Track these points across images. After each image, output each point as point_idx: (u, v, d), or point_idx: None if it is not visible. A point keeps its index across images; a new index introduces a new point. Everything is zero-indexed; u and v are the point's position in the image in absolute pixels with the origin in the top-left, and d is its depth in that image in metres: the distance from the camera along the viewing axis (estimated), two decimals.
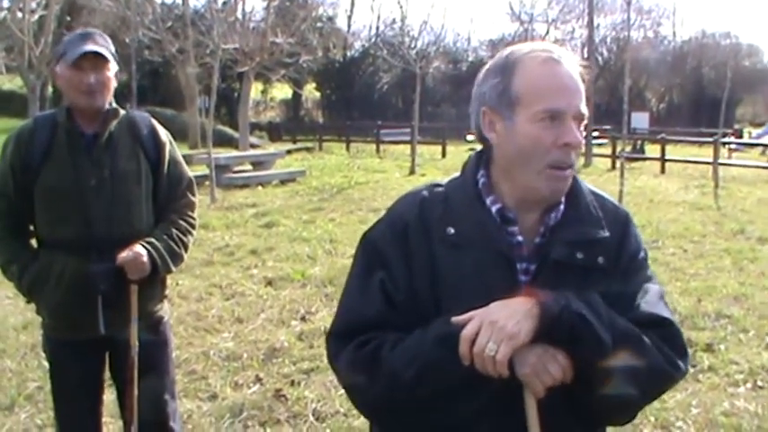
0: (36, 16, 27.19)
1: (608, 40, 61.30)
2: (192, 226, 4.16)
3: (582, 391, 2.08)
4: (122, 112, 3.95)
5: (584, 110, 2.14)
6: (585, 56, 31.27)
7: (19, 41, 23.28)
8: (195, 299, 9.11)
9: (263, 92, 54.18)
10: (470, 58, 59.10)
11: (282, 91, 56.08)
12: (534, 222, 2.22)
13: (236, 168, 22.60)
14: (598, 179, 23.05)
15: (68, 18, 34.72)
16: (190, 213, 4.16)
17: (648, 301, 2.20)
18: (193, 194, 4.21)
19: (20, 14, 23.66)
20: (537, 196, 2.18)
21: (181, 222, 4.07)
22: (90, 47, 3.71)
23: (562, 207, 2.23)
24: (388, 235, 2.27)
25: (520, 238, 2.19)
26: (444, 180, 2.35)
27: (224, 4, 32.81)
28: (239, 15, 32.28)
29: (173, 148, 4.10)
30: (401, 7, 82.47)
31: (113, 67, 3.83)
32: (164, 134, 4.07)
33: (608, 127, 37.95)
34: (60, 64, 3.78)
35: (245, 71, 31.15)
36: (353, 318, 2.25)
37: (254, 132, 40.81)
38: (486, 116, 2.22)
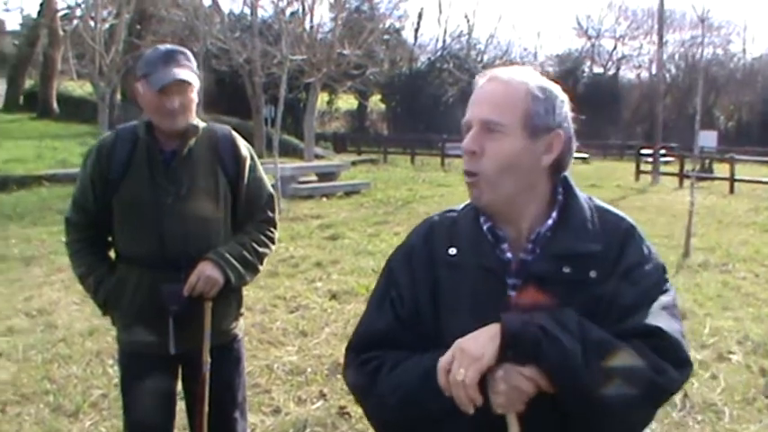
0: (107, 25, 27.52)
1: (676, 56, 60.62)
2: (271, 240, 4.11)
3: (566, 407, 2.09)
4: (203, 126, 3.92)
5: (491, 117, 2.22)
6: (654, 72, 30.89)
7: (90, 50, 23.54)
8: (260, 310, 9.11)
9: (329, 102, 54.33)
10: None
11: (347, 102, 56.23)
12: (519, 238, 2.29)
13: (302, 179, 22.61)
14: (665, 198, 22.80)
15: (138, 27, 35.12)
16: (269, 228, 4.11)
17: (648, 312, 2.17)
18: (273, 211, 4.15)
19: (92, 23, 23.94)
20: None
21: (257, 234, 4.03)
22: (176, 73, 3.67)
23: (550, 222, 2.29)
24: (400, 258, 2.46)
25: (509, 254, 2.28)
26: (461, 205, 2.48)
27: (291, 14, 32.92)
28: (307, 26, 32.37)
29: (253, 163, 4.06)
30: (468, 21, 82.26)
31: (197, 86, 3.80)
32: (244, 148, 4.03)
33: (674, 145, 37.46)
34: (143, 84, 3.73)
35: (312, 82, 31.29)
36: (366, 332, 2.42)
37: (319, 143, 40.95)
38: None
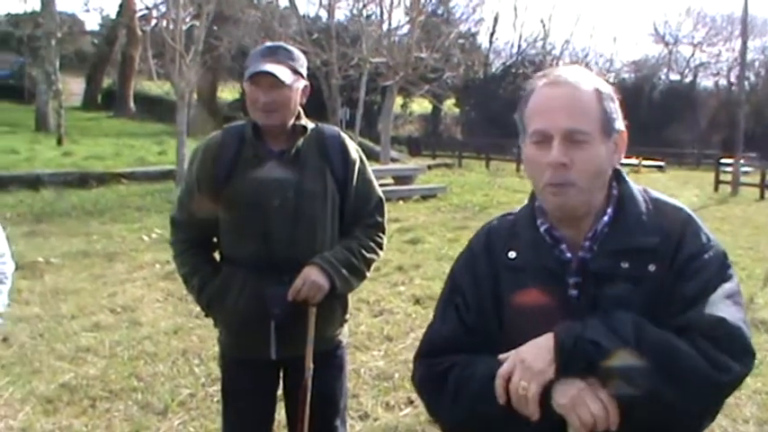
0: (186, 26, 27.72)
1: (756, 63, 59.51)
2: (379, 245, 3.99)
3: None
4: (311, 126, 3.82)
5: (576, 126, 2.18)
6: (733, 80, 30.33)
7: (170, 50, 23.73)
8: None
9: (403, 106, 54.24)
10: (612, 79, 58.10)
11: (421, 106, 56.15)
12: (578, 236, 2.29)
13: (378, 182, 22.45)
14: (747, 209, 22.38)
15: (215, 28, 35.37)
16: (377, 233, 3.99)
17: (710, 302, 2.13)
18: (382, 215, 4.03)
19: (171, 25, 24.13)
20: (550, 211, 2.30)
21: (365, 239, 3.91)
22: (267, 65, 3.57)
23: (606, 219, 2.28)
24: (462, 265, 2.51)
25: (569, 254, 2.29)
26: (518, 208, 2.51)
27: (367, 17, 32.89)
28: (384, 29, 32.30)
29: (363, 166, 3.95)
30: (544, 26, 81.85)
31: (297, 84, 3.69)
32: (354, 151, 3.92)
33: (753, 155, 36.77)
34: (245, 78, 3.68)
35: (389, 85, 31.21)
36: (432, 339, 2.47)
37: (393, 146, 40.91)
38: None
